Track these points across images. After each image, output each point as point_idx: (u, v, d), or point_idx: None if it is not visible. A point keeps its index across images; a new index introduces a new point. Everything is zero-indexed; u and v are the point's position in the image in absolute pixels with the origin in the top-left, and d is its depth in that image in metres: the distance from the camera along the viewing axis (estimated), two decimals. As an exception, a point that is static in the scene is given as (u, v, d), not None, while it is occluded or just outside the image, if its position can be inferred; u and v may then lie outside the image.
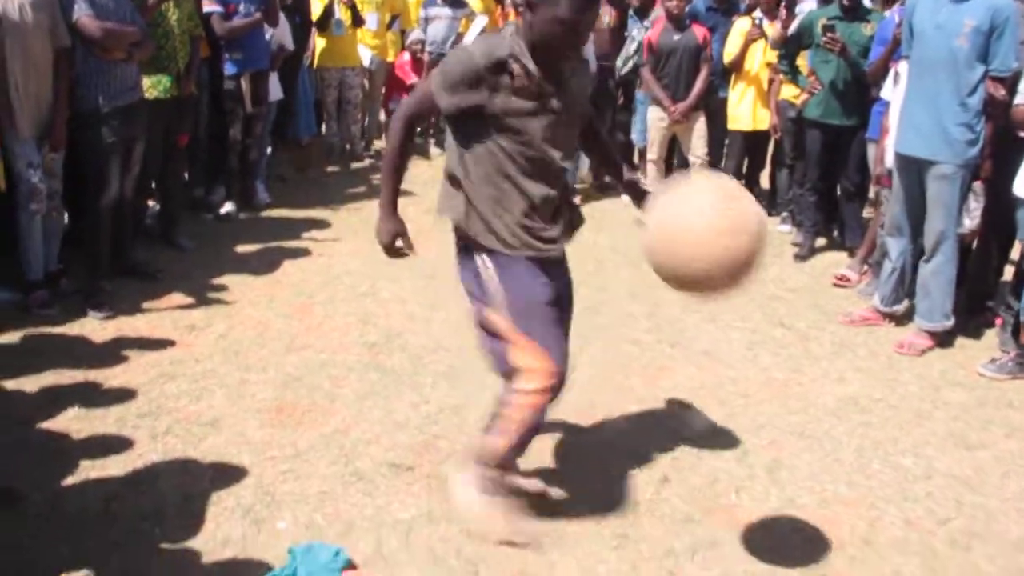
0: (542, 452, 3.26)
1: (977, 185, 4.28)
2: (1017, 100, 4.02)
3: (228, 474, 3.13)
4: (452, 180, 2.68)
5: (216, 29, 5.72)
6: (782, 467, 3.31)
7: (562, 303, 2.77)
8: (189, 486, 3.05)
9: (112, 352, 4.05)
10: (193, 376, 3.85)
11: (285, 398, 3.69)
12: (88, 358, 3.97)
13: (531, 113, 2.53)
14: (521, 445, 2.75)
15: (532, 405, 2.62)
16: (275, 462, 3.21)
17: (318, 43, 7.69)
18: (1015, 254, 4.69)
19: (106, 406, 3.55)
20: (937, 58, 4.21)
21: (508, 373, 2.67)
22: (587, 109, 2.80)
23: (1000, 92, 4.12)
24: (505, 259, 2.62)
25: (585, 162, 7.18)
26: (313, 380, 3.86)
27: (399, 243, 2.72)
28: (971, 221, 4.34)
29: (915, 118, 4.33)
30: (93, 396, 3.64)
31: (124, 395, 3.65)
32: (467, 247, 2.70)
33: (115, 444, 3.27)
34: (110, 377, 3.80)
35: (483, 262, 2.65)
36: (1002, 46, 4.06)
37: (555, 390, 2.66)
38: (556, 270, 2.74)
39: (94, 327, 4.32)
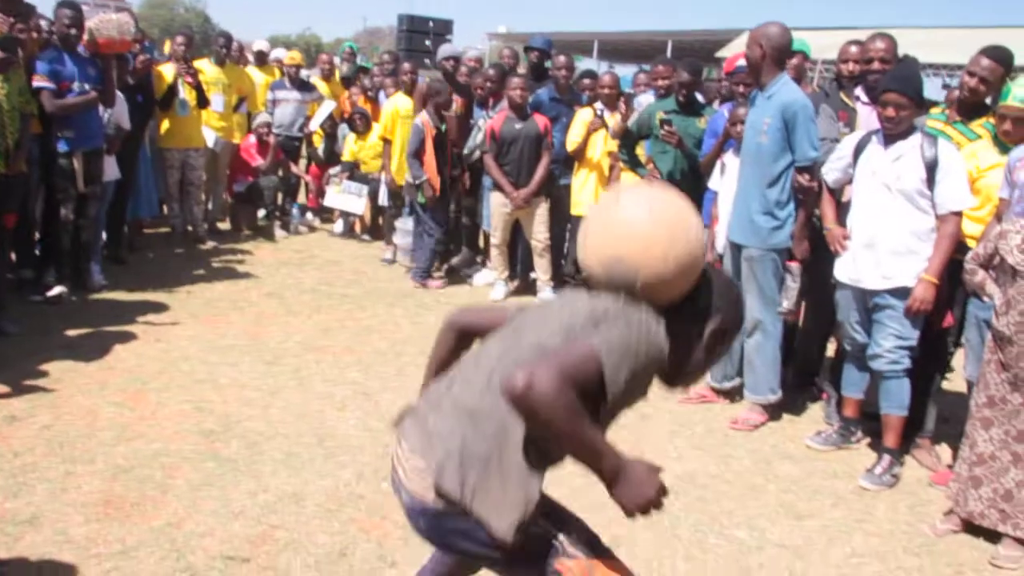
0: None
1: (793, 266, 4.56)
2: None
3: (47, 575, 2.91)
4: (486, 434, 1.97)
5: (46, 106, 5.53)
6: (622, 544, 3.35)
7: None
8: (0, 590, 2.83)
9: (-82, 447, 3.75)
10: (11, 471, 3.59)
11: (114, 491, 3.49)
12: None
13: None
14: None
15: None
16: (100, 560, 3.02)
17: (162, 123, 7.54)
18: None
19: (-92, 506, 3.27)
20: (748, 152, 4.60)
21: None
22: None
23: (804, 180, 4.45)
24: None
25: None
26: (144, 471, 3.67)
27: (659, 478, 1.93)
28: (788, 301, 4.60)
29: (733, 206, 4.71)
30: None
31: (-70, 494, 3.37)
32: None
33: (-84, 548, 3.01)
34: (-86, 474, 3.52)
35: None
36: (797, 139, 4.40)
37: None
38: None
39: (-101, 420, 3.99)
